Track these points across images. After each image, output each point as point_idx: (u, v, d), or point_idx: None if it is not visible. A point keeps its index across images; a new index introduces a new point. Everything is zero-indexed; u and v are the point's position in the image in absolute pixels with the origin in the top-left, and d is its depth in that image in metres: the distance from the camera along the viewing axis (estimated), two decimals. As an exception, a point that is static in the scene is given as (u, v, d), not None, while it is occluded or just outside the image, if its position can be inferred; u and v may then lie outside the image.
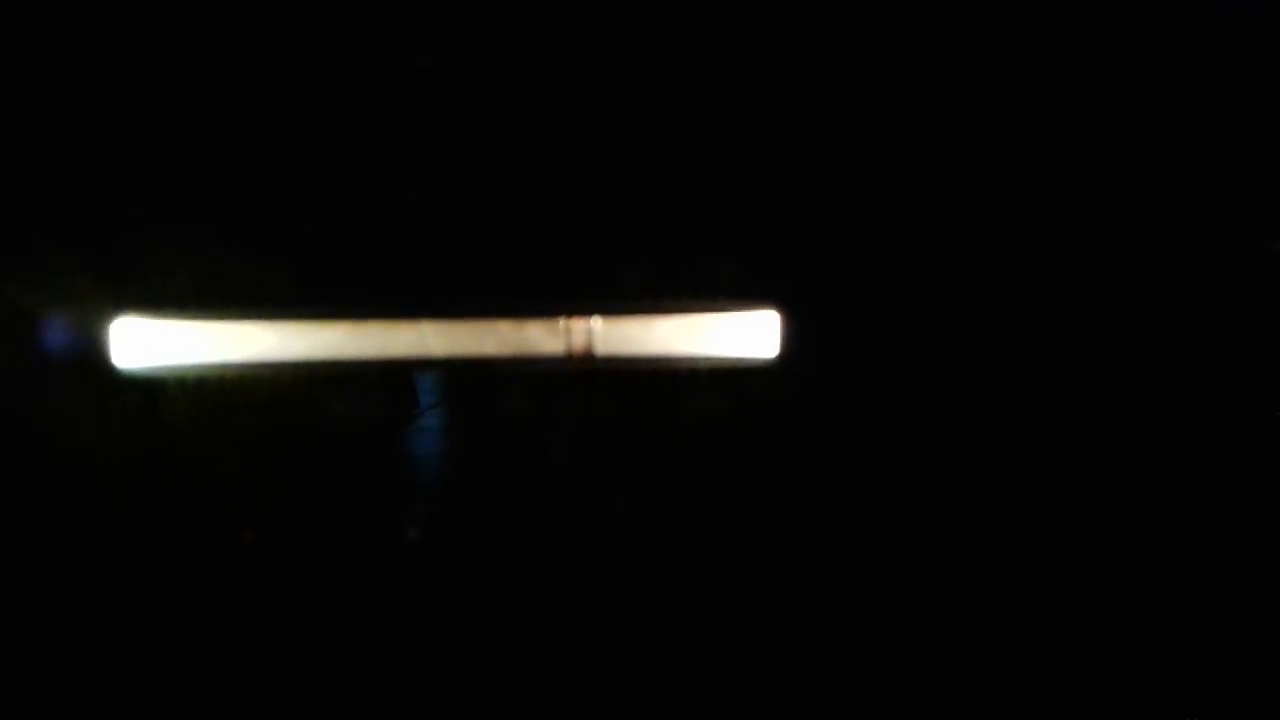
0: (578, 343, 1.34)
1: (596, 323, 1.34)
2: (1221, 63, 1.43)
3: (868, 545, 1.46)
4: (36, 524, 1.37)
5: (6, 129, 1.33)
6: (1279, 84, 1.44)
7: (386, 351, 1.34)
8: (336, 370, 1.34)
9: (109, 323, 1.32)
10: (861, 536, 1.46)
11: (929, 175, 1.40)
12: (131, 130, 1.35)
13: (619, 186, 1.38)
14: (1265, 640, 1.43)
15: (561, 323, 1.34)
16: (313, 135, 1.37)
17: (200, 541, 1.41)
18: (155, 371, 1.34)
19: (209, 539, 1.41)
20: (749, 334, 1.36)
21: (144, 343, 1.33)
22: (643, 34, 1.38)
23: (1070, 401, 1.43)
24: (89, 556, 1.38)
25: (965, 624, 1.45)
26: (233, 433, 1.39)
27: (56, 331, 1.33)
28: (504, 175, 1.37)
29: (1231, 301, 1.43)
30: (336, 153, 1.37)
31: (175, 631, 1.40)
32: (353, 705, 1.40)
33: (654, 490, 1.48)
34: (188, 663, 1.39)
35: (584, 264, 1.37)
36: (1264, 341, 1.43)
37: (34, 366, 1.33)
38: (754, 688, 1.43)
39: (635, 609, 1.47)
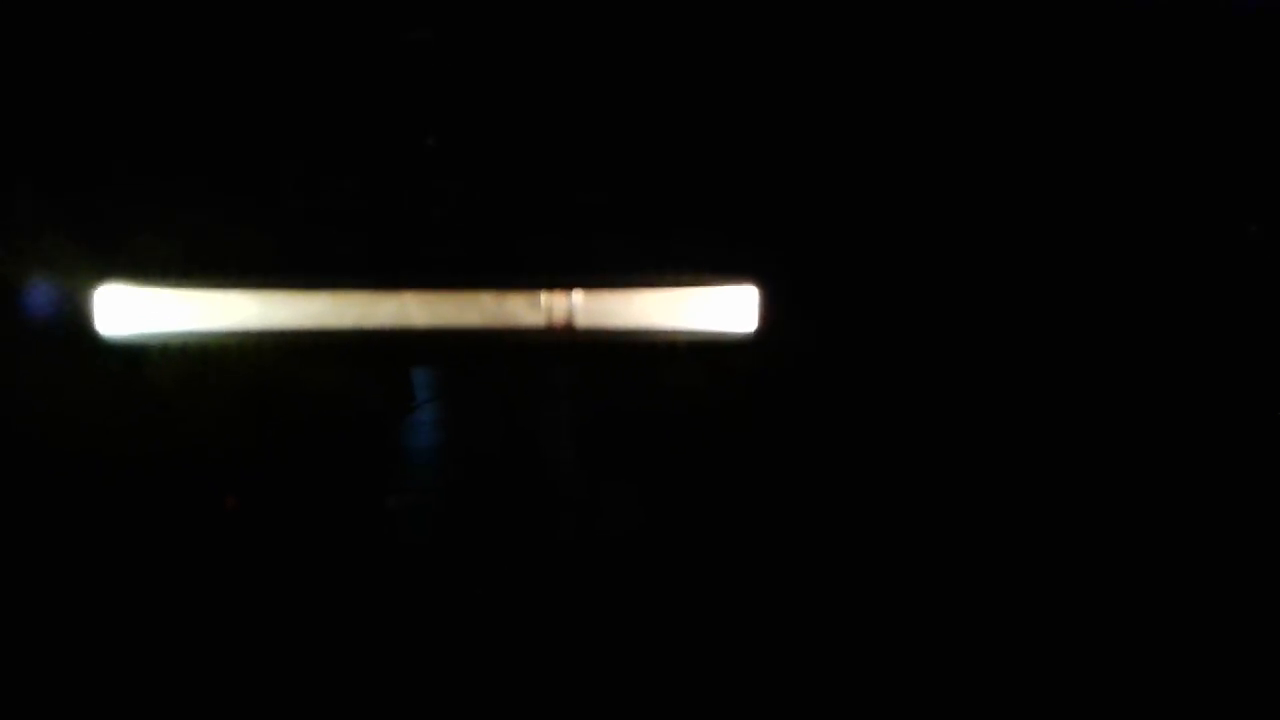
0: (558, 316, 1.35)
1: (577, 296, 1.35)
2: (1214, 58, 1.43)
3: (845, 521, 1.47)
4: (18, 494, 1.38)
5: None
6: (1270, 77, 1.44)
7: (369, 322, 1.35)
8: (319, 340, 1.35)
9: (93, 291, 1.33)
10: (838, 512, 1.47)
11: (910, 153, 1.40)
12: (116, 97, 1.34)
13: (600, 161, 1.38)
14: (1265, 640, 1.44)
15: (542, 296, 1.35)
16: (298, 106, 1.37)
17: (183, 510, 1.41)
18: (139, 340, 1.34)
19: (192, 507, 1.42)
20: (727, 308, 1.37)
21: (128, 311, 1.33)
22: (624, 11, 1.38)
23: (1052, 381, 1.44)
24: (72, 526, 1.39)
25: (947, 604, 1.46)
26: (216, 401, 1.40)
27: (40, 300, 1.34)
28: (486, 149, 1.37)
29: (1223, 293, 1.44)
30: (322, 124, 1.37)
31: (157, 604, 1.41)
32: (333, 680, 1.42)
33: (632, 462, 1.49)
34: (170, 634, 1.40)
35: (565, 238, 1.37)
36: (1258, 336, 1.44)
37: (17, 335, 1.34)
38: (733, 667, 1.44)
39: (614, 583, 1.48)
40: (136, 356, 1.35)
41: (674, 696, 1.43)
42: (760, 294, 1.37)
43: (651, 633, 1.46)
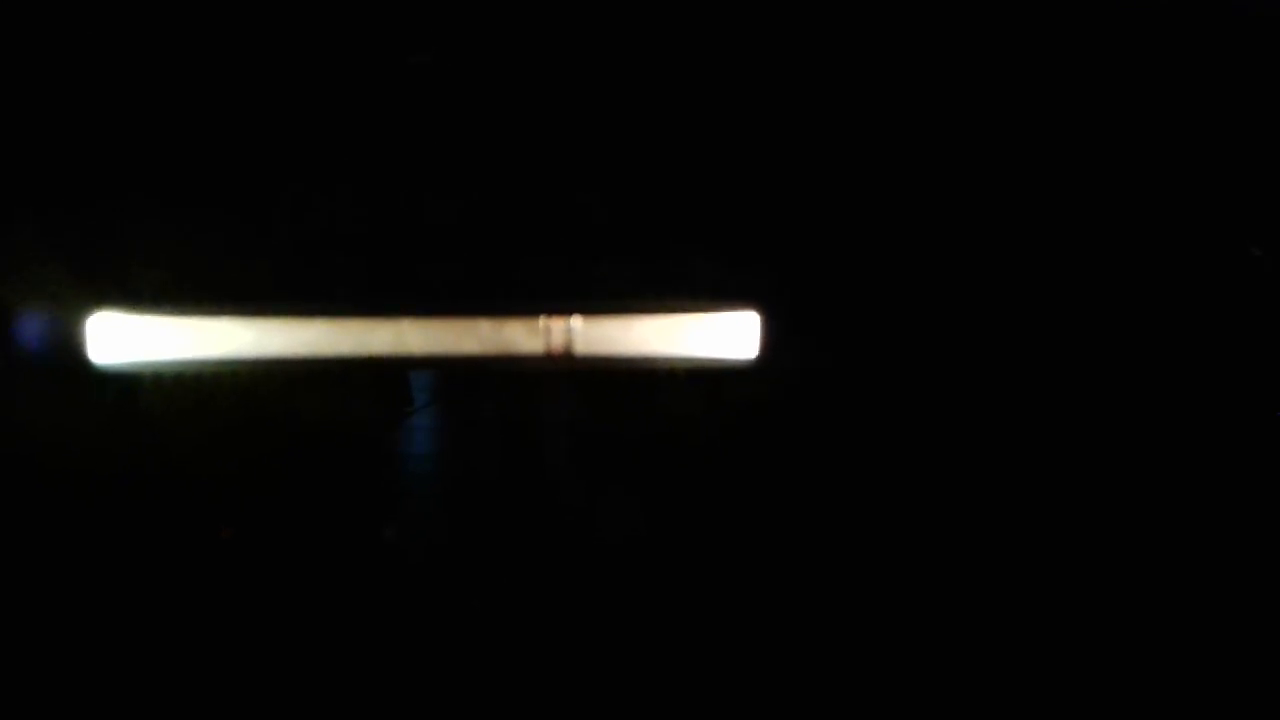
0: (557, 342, 1.34)
1: (576, 322, 1.34)
2: (1214, 66, 1.43)
3: (845, 545, 1.46)
4: (11, 522, 1.37)
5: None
6: (1271, 88, 1.43)
7: (365, 349, 1.34)
8: (315, 368, 1.34)
9: (86, 318, 1.31)
10: (839, 536, 1.46)
11: (910, 176, 1.40)
12: (111, 124, 1.34)
13: (600, 187, 1.38)
14: (1265, 640, 1.43)
15: (541, 322, 1.34)
16: (294, 132, 1.36)
17: (177, 539, 1.40)
18: (132, 367, 1.33)
19: (186, 536, 1.41)
20: (728, 334, 1.36)
21: (121, 338, 1.32)
22: (623, 39, 1.37)
23: (1054, 403, 1.43)
24: (65, 554, 1.38)
25: (948, 622, 1.45)
26: (210, 429, 1.39)
27: (33, 327, 1.33)
28: (485, 174, 1.37)
29: (1219, 308, 1.43)
30: (318, 149, 1.37)
31: (154, 633, 1.40)
32: (329, 702, 1.40)
33: (632, 489, 1.48)
34: (163, 659, 1.39)
35: (564, 263, 1.37)
36: (1252, 348, 1.43)
37: (10, 363, 1.33)
38: (728, 686, 1.43)
39: (612, 607, 1.47)
40: (130, 384, 1.34)
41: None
42: (761, 320, 1.36)
43: (652, 660, 1.44)
